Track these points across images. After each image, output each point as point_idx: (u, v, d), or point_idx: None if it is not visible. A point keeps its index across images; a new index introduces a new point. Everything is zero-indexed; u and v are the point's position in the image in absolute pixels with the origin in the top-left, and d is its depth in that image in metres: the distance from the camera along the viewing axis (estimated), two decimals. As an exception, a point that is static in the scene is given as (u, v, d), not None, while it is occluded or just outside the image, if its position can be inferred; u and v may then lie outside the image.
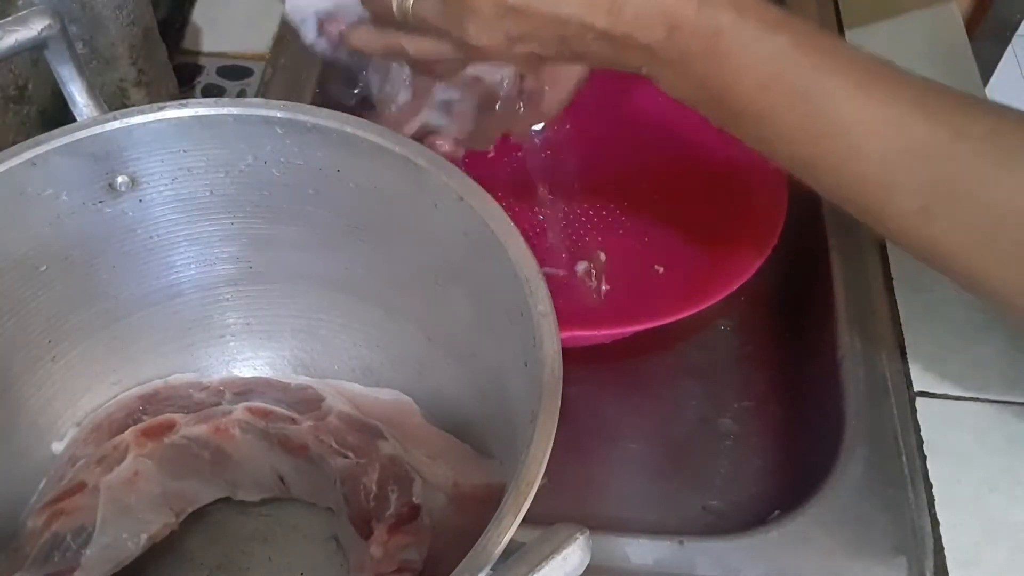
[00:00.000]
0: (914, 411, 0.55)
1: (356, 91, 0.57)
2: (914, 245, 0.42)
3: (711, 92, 0.41)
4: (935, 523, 0.51)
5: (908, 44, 0.76)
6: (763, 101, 0.40)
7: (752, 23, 0.40)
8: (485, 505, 0.44)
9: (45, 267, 0.47)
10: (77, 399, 0.51)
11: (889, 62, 0.41)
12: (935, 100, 0.40)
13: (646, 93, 0.63)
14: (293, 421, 0.50)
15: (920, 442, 0.54)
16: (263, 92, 0.71)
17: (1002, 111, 0.40)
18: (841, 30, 0.77)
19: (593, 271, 0.68)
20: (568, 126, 0.71)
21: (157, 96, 0.66)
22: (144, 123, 0.46)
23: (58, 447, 0.50)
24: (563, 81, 0.57)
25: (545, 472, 0.35)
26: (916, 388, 0.56)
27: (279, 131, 0.47)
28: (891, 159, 0.39)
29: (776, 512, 0.54)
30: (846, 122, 0.39)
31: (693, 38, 0.40)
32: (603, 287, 0.67)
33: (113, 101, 0.64)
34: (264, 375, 0.55)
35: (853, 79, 0.40)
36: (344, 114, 0.46)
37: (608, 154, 0.72)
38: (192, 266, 0.52)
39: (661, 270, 0.67)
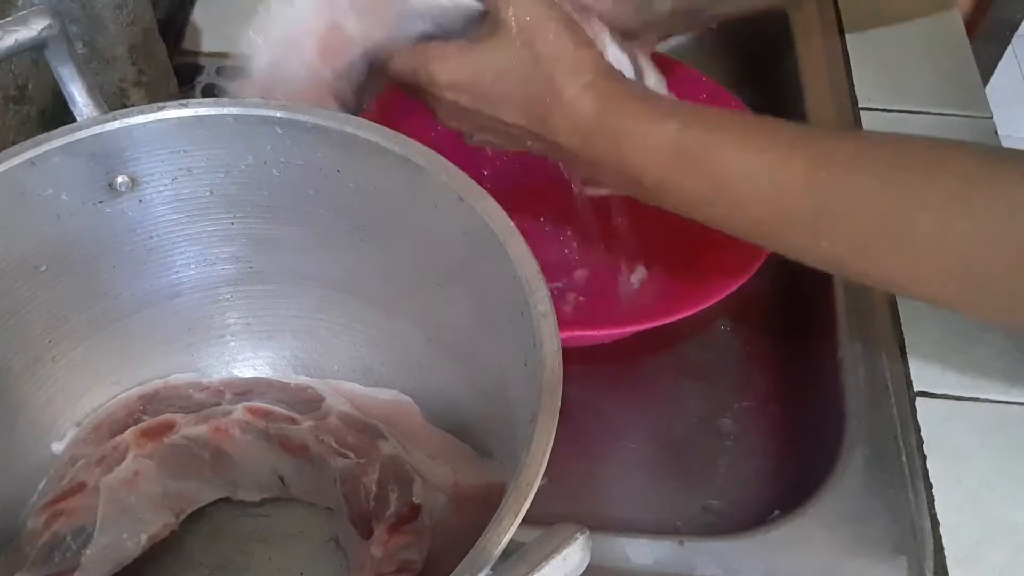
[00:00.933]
0: (914, 411, 0.55)
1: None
2: (818, 263, 0.47)
3: (628, 180, 0.49)
4: (935, 523, 0.51)
5: (908, 45, 0.76)
6: (668, 180, 0.47)
7: (642, 122, 0.47)
8: (485, 505, 0.44)
9: (45, 267, 0.47)
10: (77, 399, 0.51)
11: (771, 119, 0.48)
12: (801, 136, 0.46)
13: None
14: (293, 421, 0.50)
15: (920, 442, 0.54)
16: (263, 92, 0.71)
17: (864, 135, 0.48)
18: (842, 34, 0.77)
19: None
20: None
21: (157, 96, 0.66)
22: (144, 123, 0.46)
23: (58, 447, 0.50)
24: None
25: (545, 472, 0.35)
26: (916, 388, 0.56)
27: (279, 131, 0.47)
28: (776, 199, 0.45)
29: (776, 512, 0.54)
30: (733, 178, 0.46)
31: (602, 142, 0.48)
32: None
33: (113, 101, 0.64)
34: (264, 375, 0.55)
35: (732, 139, 0.46)
36: (344, 114, 0.47)
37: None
38: (192, 266, 0.52)
39: (661, 271, 0.67)
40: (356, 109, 0.53)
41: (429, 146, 0.45)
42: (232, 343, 0.55)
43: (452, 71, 0.50)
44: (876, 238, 0.43)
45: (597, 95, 0.48)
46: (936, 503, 0.51)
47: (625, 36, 0.54)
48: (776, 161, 0.45)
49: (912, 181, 0.43)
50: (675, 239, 0.64)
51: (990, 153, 0.45)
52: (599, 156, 0.49)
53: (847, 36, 0.77)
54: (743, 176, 0.45)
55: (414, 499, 0.47)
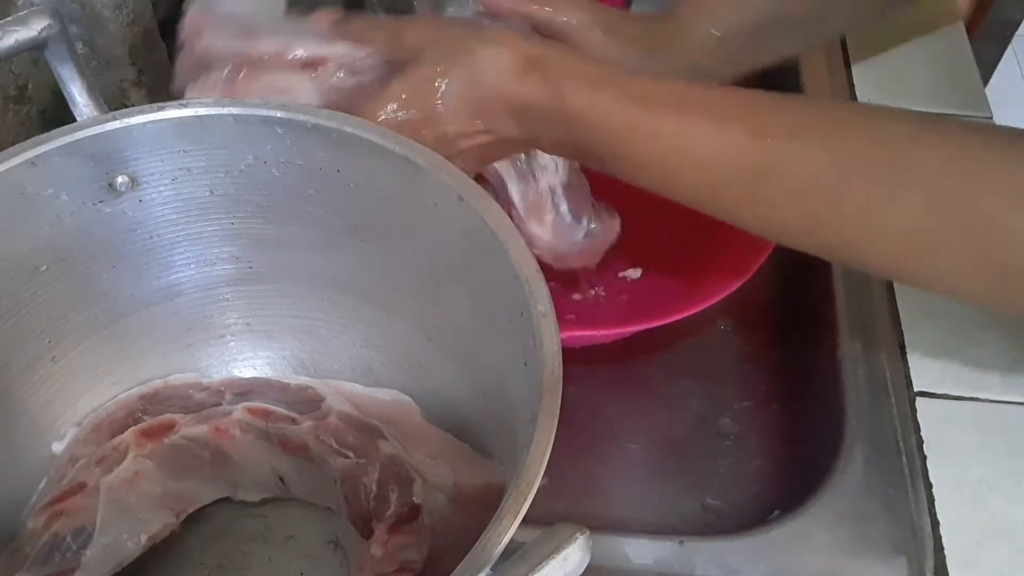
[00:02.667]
0: (914, 411, 0.55)
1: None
2: (761, 232, 0.48)
3: (572, 145, 0.49)
4: (935, 523, 0.51)
5: (908, 45, 0.76)
6: (608, 144, 0.48)
7: (582, 92, 0.47)
8: (485, 505, 0.44)
9: (45, 267, 0.47)
10: (77, 399, 0.51)
11: (713, 86, 0.49)
12: (742, 104, 0.47)
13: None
14: (293, 421, 0.50)
15: (920, 442, 0.54)
16: (263, 92, 0.71)
17: (806, 103, 0.48)
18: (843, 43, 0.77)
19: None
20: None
21: (157, 96, 0.66)
22: (144, 123, 0.46)
23: (58, 447, 0.50)
24: None
25: (545, 472, 0.35)
26: (916, 388, 0.56)
27: (279, 131, 0.47)
28: (714, 165, 0.46)
29: (776, 512, 0.54)
30: (671, 145, 0.47)
31: (536, 112, 0.48)
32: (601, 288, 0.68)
33: (113, 101, 0.64)
34: (264, 375, 0.55)
35: (670, 108, 0.47)
36: (344, 114, 0.46)
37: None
38: (192, 266, 0.52)
39: (661, 271, 0.67)
40: None
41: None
42: (232, 343, 0.55)
43: (384, 106, 0.50)
44: (814, 203, 0.44)
45: (521, 66, 0.48)
46: (936, 503, 0.51)
47: None
48: (716, 129, 0.45)
49: (851, 147, 0.43)
50: (675, 239, 0.64)
51: (931, 121, 0.44)
52: (538, 127, 0.49)
53: (847, 36, 0.77)
54: (681, 144, 0.46)
55: (414, 499, 0.47)
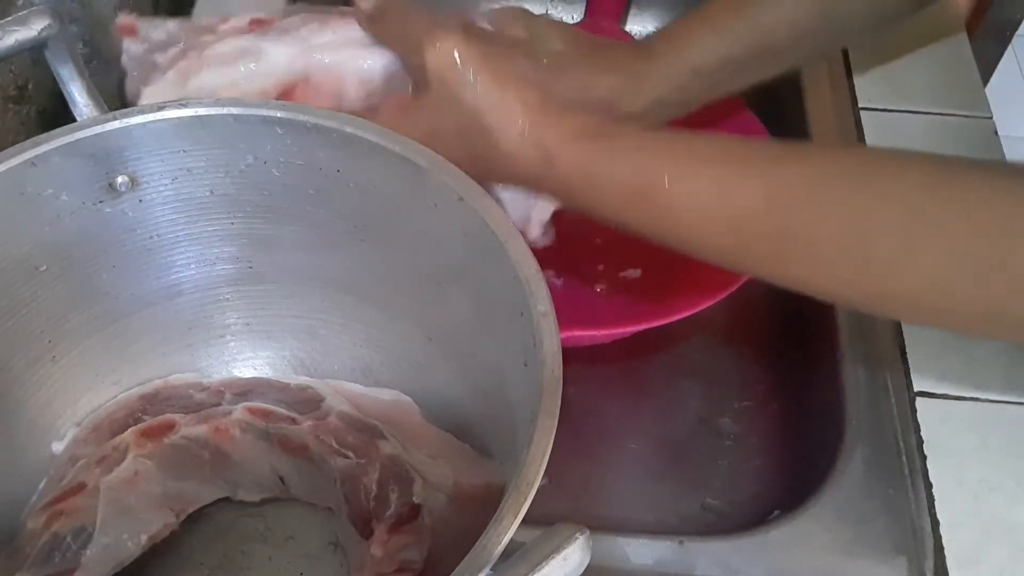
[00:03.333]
0: (914, 411, 0.55)
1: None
2: (789, 286, 0.46)
3: (584, 212, 0.48)
4: (935, 523, 0.51)
5: (908, 45, 0.76)
6: (622, 217, 0.47)
7: (592, 163, 0.46)
8: (485, 505, 0.44)
9: (45, 267, 0.47)
10: (77, 399, 0.51)
11: (724, 139, 0.48)
12: (761, 157, 0.45)
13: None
14: (293, 421, 0.50)
15: (920, 442, 0.54)
16: (263, 92, 0.71)
17: (824, 156, 0.46)
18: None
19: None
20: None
21: (157, 96, 0.66)
22: (144, 123, 0.46)
23: (58, 447, 0.50)
24: None
25: (545, 472, 0.35)
26: (916, 388, 0.56)
27: (279, 131, 0.47)
28: (735, 221, 0.44)
29: (776, 512, 0.54)
30: (690, 211, 0.45)
31: (552, 185, 0.48)
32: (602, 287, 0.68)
33: (113, 101, 0.64)
34: (264, 375, 0.55)
35: (688, 171, 0.45)
36: (344, 114, 0.46)
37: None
38: (192, 266, 0.52)
39: (661, 270, 0.67)
40: None
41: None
42: (232, 343, 0.55)
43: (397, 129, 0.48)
44: (840, 261, 0.43)
45: (534, 143, 0.47)
46: (936, 503, 0.51)
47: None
48: (733, 189, 0.44)
49: (871, 200, 0.42)
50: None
51: (948, 165, 0.44)
52: (552, 194, 0.49)
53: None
54: (700, 211, 0.45)
55: (414, 499, 0.47)
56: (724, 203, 0.44)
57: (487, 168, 0.48)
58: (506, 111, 0.47)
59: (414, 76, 0.53)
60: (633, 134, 0.47)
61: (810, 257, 0.44)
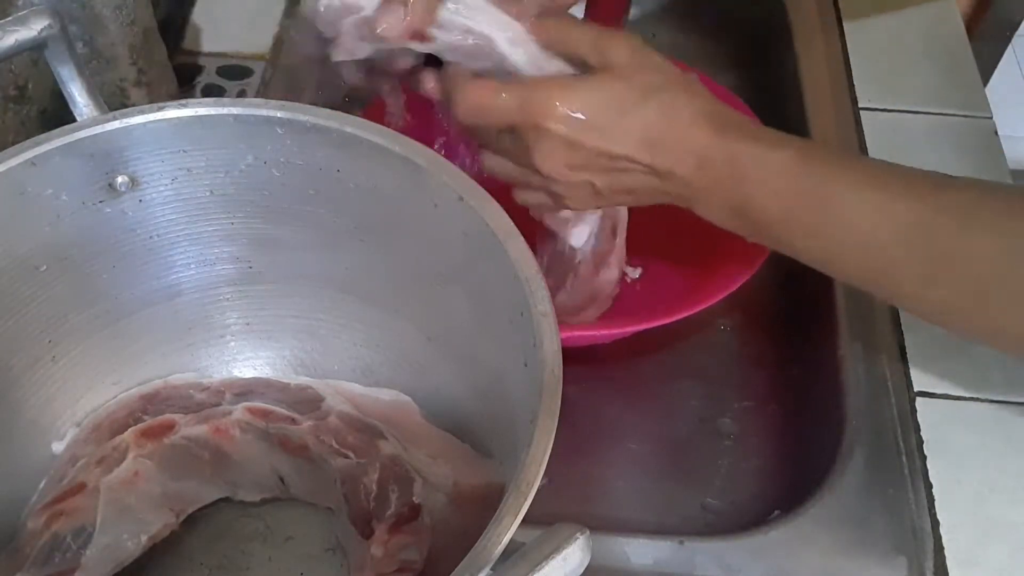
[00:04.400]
0: (914, 411, 0.55)
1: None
2: (923, 312, 0.49)
3: (736, 208, 0.48)
4: (935, 523, 0.51)
5: (908, 45, 0.76)
6: (778, 208, 0.47)
7: (760, 145, 0.47)
8: (485, 505, 0.44)
9: (45, 267, 0.47)
10: (77, 399, 0.51)
11: (882, 161, 0.48)
12: (920, 183, 0.46)
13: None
14: (293, 421, 0.50)
15: (920, 442, 0.54)
16: (263, 92, 0.71)
17: (977, 184, 0.48)
18: (842, 34, 0.77)
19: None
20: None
21: (157, 96, 0.66)
22: (144, 123, 0.46)
23: (58, 447, 0.50)
24: None
25: (545, 472, 0.35)
26: (916, 388, 0.56)
27: (279, 131, 0.47)
28: (889, 242, 0.45)
29: (776, 512, 0.54)
30: (847, 215, 0.46)
31: (717, 166, 0.47)
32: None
33: (113, 101, 0.64)
34: (264, 375, 0.55)
35: (852, 174, 0.46)
36: (344, 114, 0.46)
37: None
38: (192, 266, 0.52)
39: (661, 270, 0.67)
40: (331, 96, 0.52)
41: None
42: (232, 343, 0.55)
43: (573, 101, 0.48)
44: (995, 291, 0.44)
45: (712, 118, 0.48)
46: (936, 503, 0.51)
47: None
48: (894, 203, 0.45)
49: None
50: (675, 239, 0.64)
51: None
52: (711, 182, 0.48)
53: (847, 35, 0.77)
54: (859, 212, 0.45)
55: (414, 499, 0.47)
56: (884, 216, 0.45)
57: (655, 139, 0.48)
58: (689, 88, 0.49)
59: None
60: (800, 139, 0.48)
61: (960, 286, 0.45)
